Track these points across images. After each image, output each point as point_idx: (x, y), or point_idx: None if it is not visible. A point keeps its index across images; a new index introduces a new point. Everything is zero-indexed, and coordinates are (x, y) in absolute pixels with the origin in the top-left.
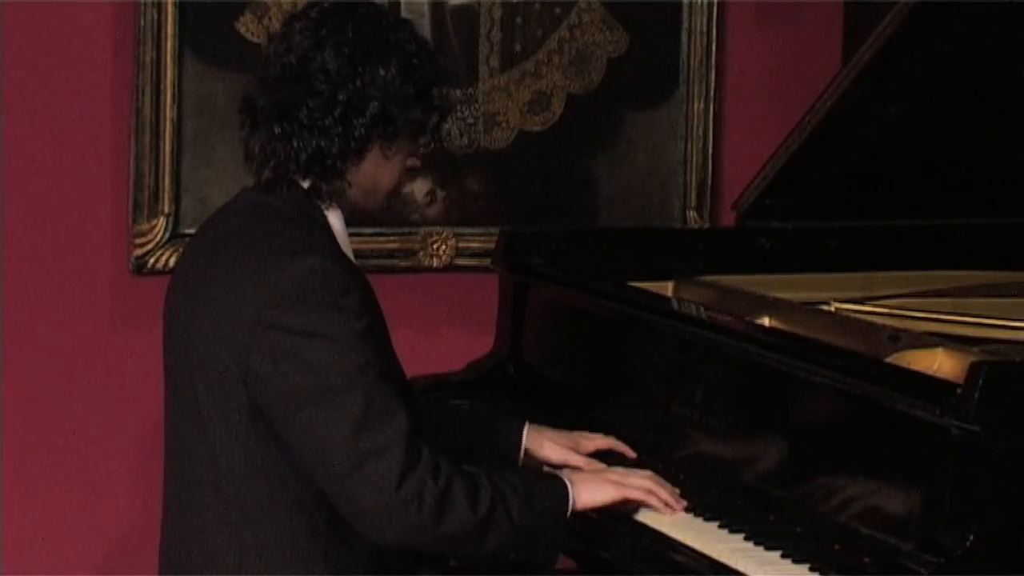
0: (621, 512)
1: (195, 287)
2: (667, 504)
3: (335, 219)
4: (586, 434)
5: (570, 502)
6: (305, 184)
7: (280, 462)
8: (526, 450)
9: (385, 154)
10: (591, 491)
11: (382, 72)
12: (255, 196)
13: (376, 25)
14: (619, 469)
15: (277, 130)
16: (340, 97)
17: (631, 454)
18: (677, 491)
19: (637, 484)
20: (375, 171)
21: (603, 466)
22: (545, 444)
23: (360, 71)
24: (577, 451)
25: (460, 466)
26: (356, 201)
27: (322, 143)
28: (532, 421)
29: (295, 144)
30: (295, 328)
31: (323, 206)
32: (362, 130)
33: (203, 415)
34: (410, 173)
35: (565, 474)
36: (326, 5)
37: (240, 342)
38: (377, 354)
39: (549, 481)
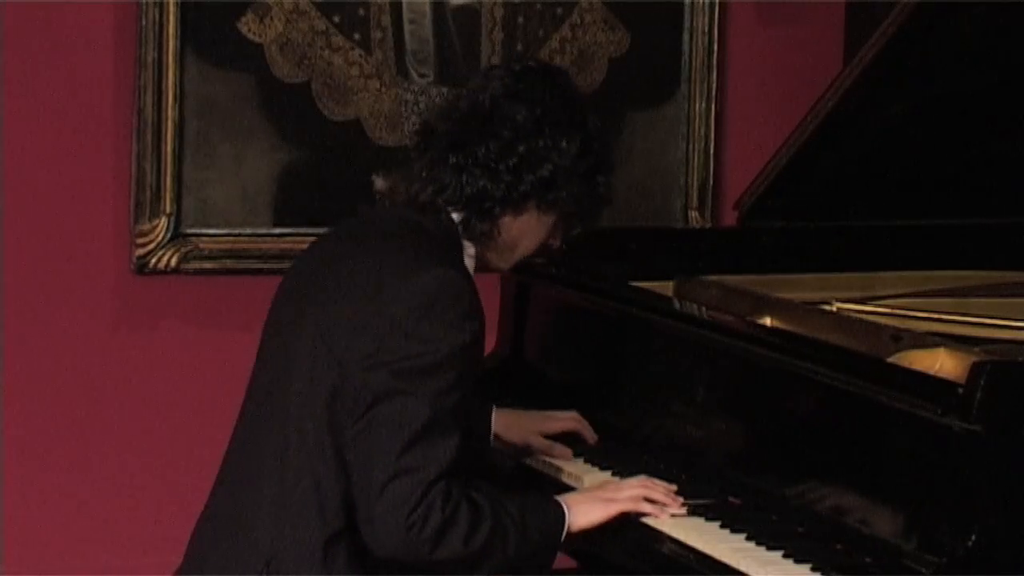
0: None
1: (329, 272)
2: (663, 505)
3: (471, 251)
4: (552, 414)
5: (565, 528)
6: (456, 217)
7: (342, 452)
8: (496, 435)
9: (540, 218)
10: (585, 513)
11: (564, 143)
12: (405, 211)
13: (570, 97)
14: (612, 483)
15: (452, 160)
16: (520, 148)
17: (591, 438)
18: (674, 487)
19: (628, 496)
20: (523, 230)
21: (601, 479)
22: (511, 429)
23: (546, 132)
24: (541, 434)
25: (472, 494)
26: (492, 251)
27: (488, 185)
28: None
29: (463, 178)
30: (409, 330)
31: (467, 241)
32: (528, 186)
33: (292, 391)
34: (545, 247)
35: (563, 498)
36: (530, 63)
37: (356, 327)
38: (464, 385)
39: (548, 510)
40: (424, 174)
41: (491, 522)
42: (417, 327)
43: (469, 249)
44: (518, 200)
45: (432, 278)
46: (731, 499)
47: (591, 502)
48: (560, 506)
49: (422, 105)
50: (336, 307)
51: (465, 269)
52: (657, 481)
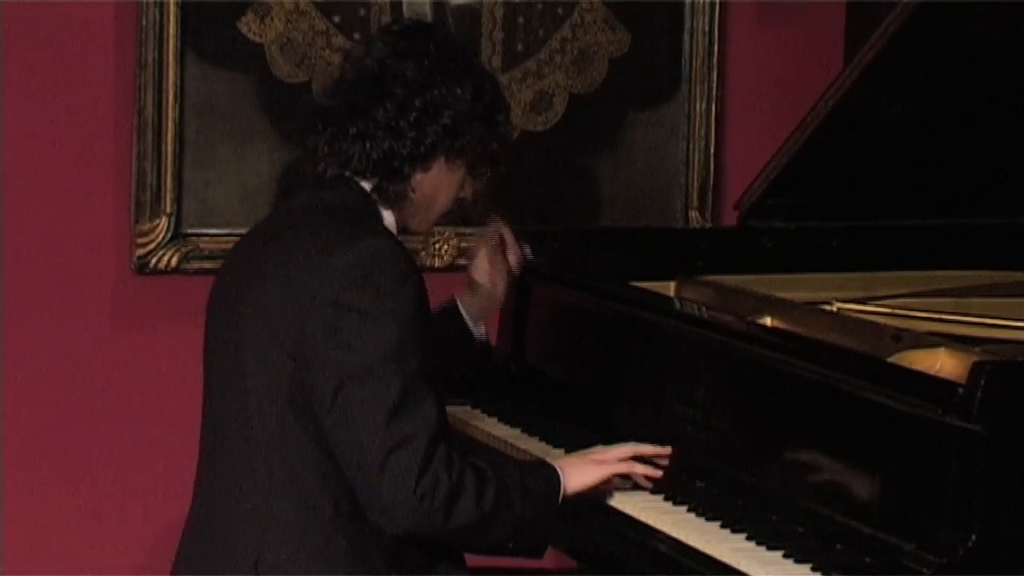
0: (621, 510)
1: (254, 267)
2: (654, 468)
3: (389, 218)
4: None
5: (561, 490)
6: (367, 185)
7: (314, 440)
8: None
9: (449, 168)
10: (578, 475)
11: (458, 89)
12: (316, 193)
13: (454, 47)
14: (599, 448)
15: (352, 130)
16: (416, 102)
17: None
18: (668, 449)
19: (619, 455)
20: (436, 184)
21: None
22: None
23: (438, 81)
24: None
25: (471, 460)
26: (411, 213)
27: (394, 144)
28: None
29: (367, 144)
30: (352, 305)
31: (381, 206)
32: (433, 138)
33: (247, 389)
34: (460, 203)
35: (555, 462)
36: (407, 23)
37: (297, 315)
38: (420, 345)
39: (544, 472)
40: (327, 150)
41: (496, 484)
42: (356, 303)
43: (387, 217)
44: (425, 154)
45: (360, 250)
46: (731, 498)
47: (583, 464)
48: (554, 468)
49: None
50: (275, 298)
51: (388, 232)
52: (643, 448)
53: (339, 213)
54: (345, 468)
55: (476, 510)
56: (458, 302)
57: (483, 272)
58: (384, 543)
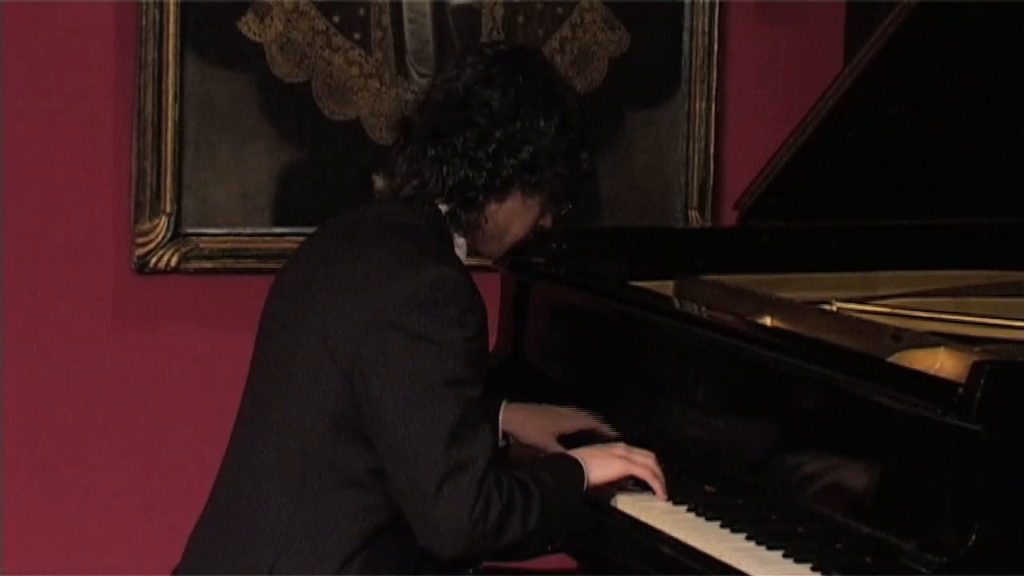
0: (622, 510)
1: (318, 276)
2: (663, 488)
3: (461, 242)
4: (565, 411)
5: (586, 483)
6: (443, 208)
7: (350, 459)
8: (504, 433)
9: (525, 201)
10: (601, 467)
11: (542, 123)
12: (392, 207)
13: (545, 77)
14: (622, 445)
15: (431, 152)
16: (497, 134)
17: (610, 434)
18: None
19: (641, 461)
20: (511, 215)
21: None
22: (527, 428)
23: (522, 115)
24: (558, 434)
25: (515, 475)
26: (482, 240)
27: (470, 173)
28: None
29: (444, 169)
30: (415, 331)
31: (455, 232)
32: (510, 171)
33: (291, 400)
34: (540, 230)
35: (577, 453)
36: (502, 47)
37: (356, 335)
38: (480, 375)
39: (571, 468)
40: (405, 168)
41: (539, 496)
42: (420, 329)
43: (459, 240)
44: (501, 186)
45: (428, 276)
46: (731, 498)
47: (606, 457)
48: (578, 462)
49: None
50: (334, 313)
51: (459, 261)
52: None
53: (411, 232)
54: (397, 492)
55: (523, 529)
56: (503, 409)
57: (545, 437)
58: (398, 561)
